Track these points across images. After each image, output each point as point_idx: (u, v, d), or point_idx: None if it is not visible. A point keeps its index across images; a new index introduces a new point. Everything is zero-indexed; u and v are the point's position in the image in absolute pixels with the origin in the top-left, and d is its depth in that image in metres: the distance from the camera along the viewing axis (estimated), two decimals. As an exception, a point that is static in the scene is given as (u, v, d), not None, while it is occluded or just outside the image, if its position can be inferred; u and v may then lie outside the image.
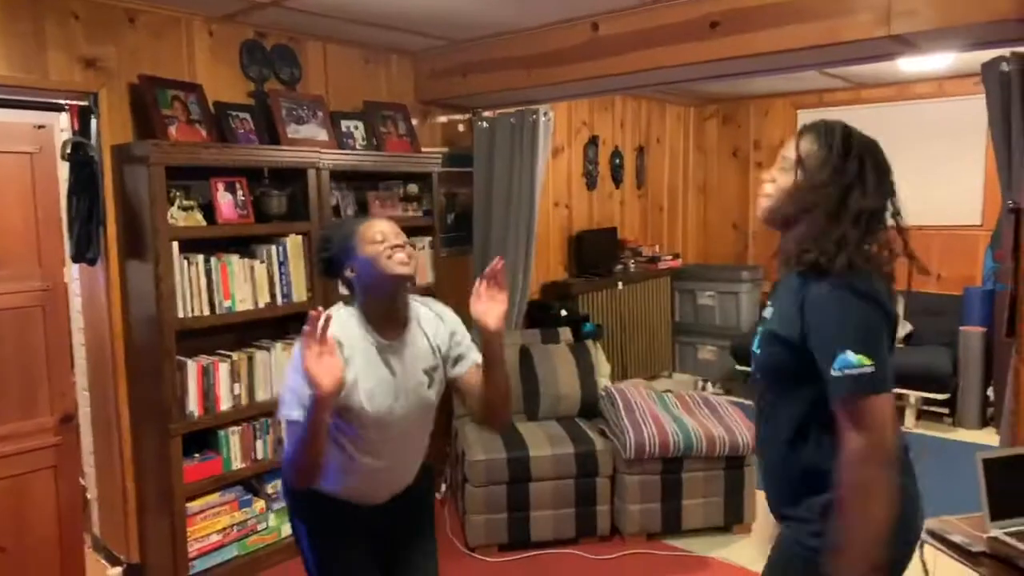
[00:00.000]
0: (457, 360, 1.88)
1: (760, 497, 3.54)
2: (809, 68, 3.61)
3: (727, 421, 3.46)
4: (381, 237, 1.74)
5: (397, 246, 1.73)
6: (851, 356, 1.33)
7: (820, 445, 1.46)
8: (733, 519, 3.40)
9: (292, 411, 1.63)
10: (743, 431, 3.35)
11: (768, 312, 1.59)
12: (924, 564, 2.25)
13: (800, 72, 4.12)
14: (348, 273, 1.78)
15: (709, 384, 5.83)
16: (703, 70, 3.31)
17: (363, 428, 1.74)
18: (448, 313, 1.93)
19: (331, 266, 1.82)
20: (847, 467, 1.36)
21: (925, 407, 4.92)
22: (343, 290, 1.85)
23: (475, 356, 1.88)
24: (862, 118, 6.08)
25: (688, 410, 3.65)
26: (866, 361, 1.33)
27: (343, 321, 1.74)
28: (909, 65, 4.57)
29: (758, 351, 1.58)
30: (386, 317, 1.78)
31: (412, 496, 1.93)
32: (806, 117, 5.91)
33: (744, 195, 6.38)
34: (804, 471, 1.49)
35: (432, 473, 2.06)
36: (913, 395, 4.86)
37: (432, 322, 1.87)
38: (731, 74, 3.52)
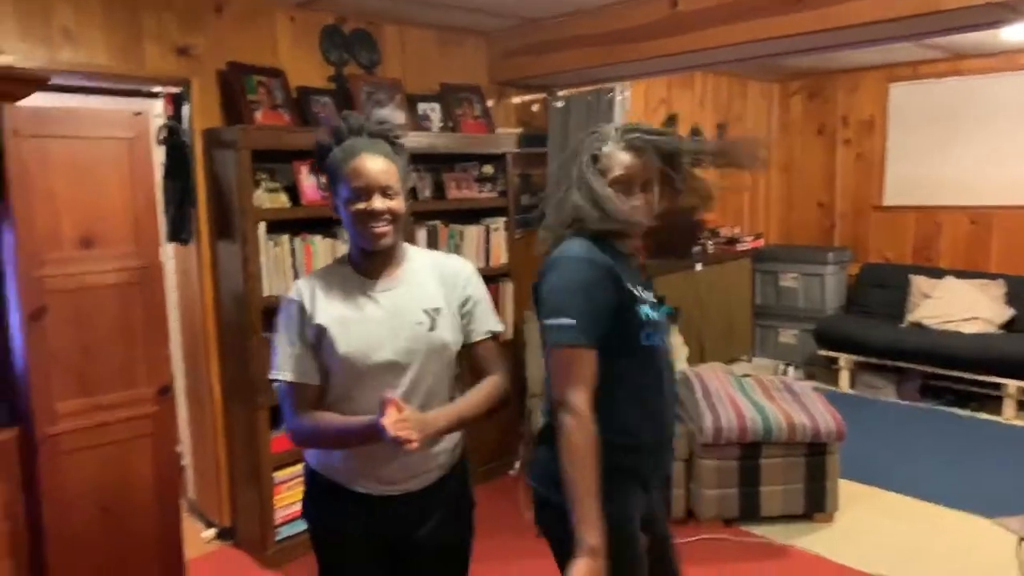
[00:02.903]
0: (469, 322, 1.68)
1: (844, 485, 3.43)
2: (904, 39, 3.41)
3: (809, 407, 3.36)
4: (364, 196, 1.55)
5: (376, 213, 1.55)
6: None
7: None
8: (814, 507, 3.30)
9: (276, 372, 1.60)
10: (826, 417, 3.24)
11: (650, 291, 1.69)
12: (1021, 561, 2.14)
13: (894, 44, 3.90)
14: (336, 212, 1.64)
15: (791, 369, 5.66)
16: (788, 44, 3.18)
17: (348, 376, 1.59)
18: (463, 268, 1.73)
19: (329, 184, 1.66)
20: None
21: (1026, 397, 4.64)
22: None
23: (491, 324, 1.71)
24: (961, 90, 5.72)
25: (768, 395, 3.55)
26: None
27: (328, 269, 1.68)
28: (1013, 33, 4.25)
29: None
30: (371, 260, 1.64)
31: (433, 503, 1.68)
32: (899, 91, 5.63)
33: (830, 174, 6.12)
34: None
35: (466, 479, 1.78)
36: (1013, 384, 4.58)
37: (439, 269, 1.70)
38: (818, 48, 3.37)
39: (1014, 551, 2.29)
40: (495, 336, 1.71)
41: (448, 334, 1.65)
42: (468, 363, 1.72)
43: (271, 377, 1.62)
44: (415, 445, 1.41)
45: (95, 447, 2.41)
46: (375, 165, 1.57)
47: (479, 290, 1.72)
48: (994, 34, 4.12)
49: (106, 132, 2.40)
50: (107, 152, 2.40)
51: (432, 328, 1.62)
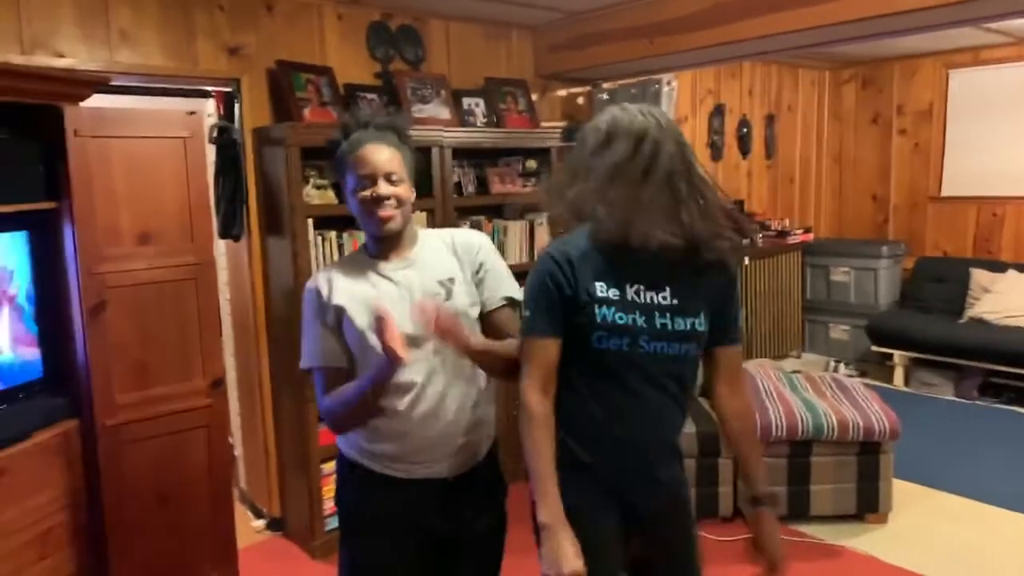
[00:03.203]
0: (483, 289, 1.70)
1: (899, 485, 3.34)
2: (965, 24, 3.29)
3: (861, 404, 3.27)
4: (370, 182, 1.59)
5: (380, 198, 1.59)
6: None
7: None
8: (866, 507, 3.22)
9: (303, 360, 1.66)
10: (880, 415, 3.16)
11: (667, 293, 1.53)
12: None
13: (954, 28, 3.76)
14: (347, 204, 1.68)
15: (842, 365, 5.52)
16: (841, 32, 3.09)
17: (372, 356, 1.57)
18: (474, 237, 1.76)
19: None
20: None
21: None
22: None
23: (507, 290, 1.72)
24: (1025, 76, 5.25)
25: (818, 392, 3.48)
26: None
27: (345, 258, 1.72)
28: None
29: (696, 328, 1.55)
30: (382, 245, 1.67)
31: (468, 490, 1.70)
32: (959, 78, 5.42)
33: (885, 165, 5.94)
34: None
35: (497, 464, 1.80)
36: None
37: (452, 242, 1.73)
38: (873, 35, 3.27)
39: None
40: (514, 303, 1.71)
41: (465, 301, 1.67)
42: (489, 334, 1.70)
43: (301, 367, 1.67)
44: (406, 359, 1.44)
45: (152, 438, 2.48)
46: (380, 154, 1.61)
47: (492, 258, 1.74)
48: (1062, 17, 3.94)
49: (162, 131, 2.46)
50: (163, 151, 2.46)
51: (448, 298, 1.65)
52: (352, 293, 1.63)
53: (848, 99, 6.15)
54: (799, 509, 3.22)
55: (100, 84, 2.42)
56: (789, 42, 3.33)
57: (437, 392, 1.63)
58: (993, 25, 4.40)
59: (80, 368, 2.35)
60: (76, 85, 2.30)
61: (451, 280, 1.67)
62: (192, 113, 2.57)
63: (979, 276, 5.16)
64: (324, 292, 1.65)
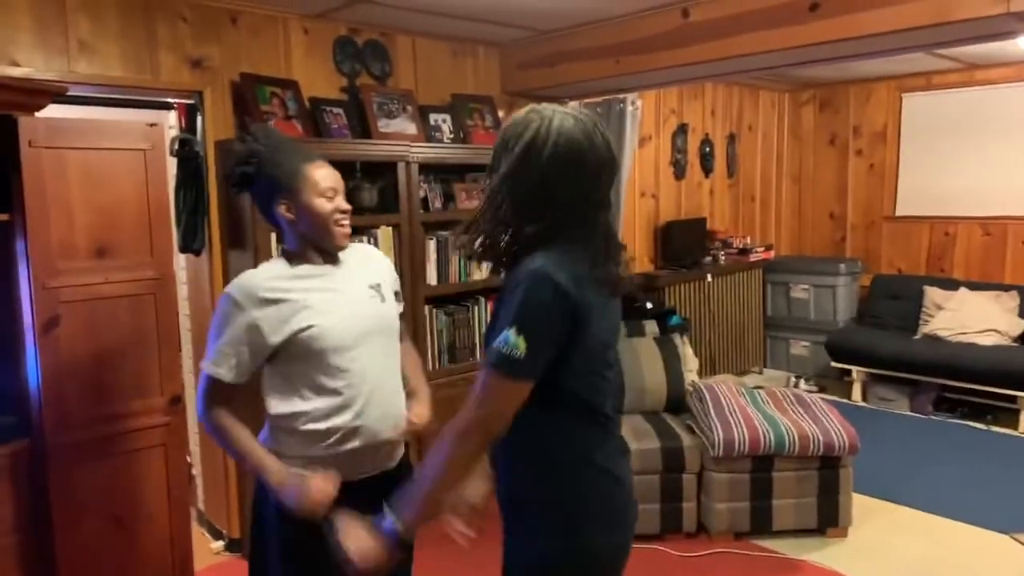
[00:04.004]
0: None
1: (858, 500, 3.39)
2: (918, 50, 3.40)
3: (822, 419, 3.33)
4: (332, 194, 1.65)
5: (344, 212, 1.67)
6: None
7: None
8: (827, 522, 3.27)
9: (209, 365, 1.63)
10: (839, 430, 3.21)
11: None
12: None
13: (907, 54, 3.89)
14: (283, 211, 1.64)
15: (802, 381, 5.62)
16: (801, 55, 3.17)
17: (324, 356, 1.62)
18: (387, 259, 1.92)
19: (255, 187, 1.67)
20: (453, 429, 1.35)
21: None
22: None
23: (400, 304, 1.87)
24: (974, 100, 5.66)
25: (780, 407, 3.53)
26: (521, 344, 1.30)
27: (269, 272, 1.67)
28: (1030, 43, 4.23)
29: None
30: (317, 251, 1.70)
31: (389, 483, 1.67)
32: (912, 101, 5.60)
33: (842, 184, 6.09)
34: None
35: (407, 453, 1.90)
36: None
37: (364, 255, 1.84)
38: (830, 59, 3.36)
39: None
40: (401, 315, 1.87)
41: (390, 312, 1.78)
42: None
43: (209, 370, 1.63)
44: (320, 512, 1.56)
45: (107, 457, 2.41)
46: (333, 171, 1.68)
47: (391, 271, 1.89)
48: (1008, 44, 4.10)
49: (121, 143, 2.41)
50: (122, 163, 2.41)
51: (383, 300, 1.76)
52: (301, 297, 1.64)
53: (807, 120, 6.30)
54: (762, 524, 3.25)
55: (57, 93, 2.36)
56: (752, 64, 3.41)
57: (385, 388, 1.73)
58: (944, 51, 4.56)
59: (31, 385, 2.27)
60: (31, 94, 2.24)
61: (379, 285, 1.75)
62: (153, 125, 2.52)
63: (932, 294, 5.31)
64: (251, 304, 1.61)
